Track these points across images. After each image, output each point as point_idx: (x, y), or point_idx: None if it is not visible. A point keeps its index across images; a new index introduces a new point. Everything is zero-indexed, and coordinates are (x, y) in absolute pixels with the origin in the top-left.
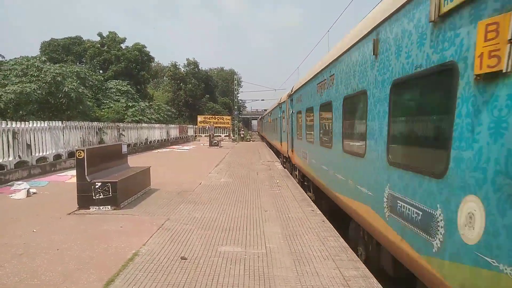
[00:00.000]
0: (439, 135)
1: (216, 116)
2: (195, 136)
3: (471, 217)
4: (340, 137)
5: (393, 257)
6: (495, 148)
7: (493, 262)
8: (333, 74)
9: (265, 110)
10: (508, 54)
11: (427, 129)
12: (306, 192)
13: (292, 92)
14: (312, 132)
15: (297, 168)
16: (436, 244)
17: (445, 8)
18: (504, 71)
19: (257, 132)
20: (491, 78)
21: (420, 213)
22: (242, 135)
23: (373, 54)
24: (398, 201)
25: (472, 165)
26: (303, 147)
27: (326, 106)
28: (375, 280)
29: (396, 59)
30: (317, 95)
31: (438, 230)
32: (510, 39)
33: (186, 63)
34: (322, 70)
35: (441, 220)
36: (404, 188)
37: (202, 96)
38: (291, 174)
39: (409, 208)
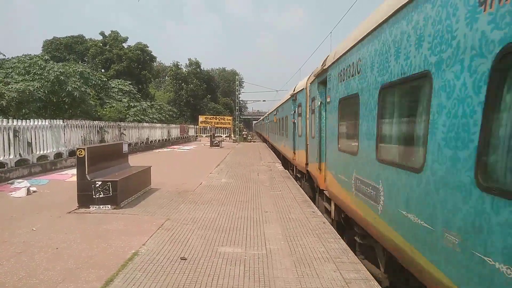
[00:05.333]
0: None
1: (217, 117)
2: (196, 136)
3: None
4: (277, 131)
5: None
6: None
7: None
8: (273, 116)
9: (265, 112)
10: None
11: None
12: (269, 148)
13: (267, 114)
14: (271, 129)
15: (269, 142)
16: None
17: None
18: None
19: (256, 132)
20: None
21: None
22: (244, 136)
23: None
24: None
25: None
26: (270, 134)
27: (274, 122)
28: (375, 283)
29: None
30: (271, 117)
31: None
32: None
33: (188, 63)
34: (266, 115)
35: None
36: (272, 138)
37: (204, 96)
38: (270, 148)
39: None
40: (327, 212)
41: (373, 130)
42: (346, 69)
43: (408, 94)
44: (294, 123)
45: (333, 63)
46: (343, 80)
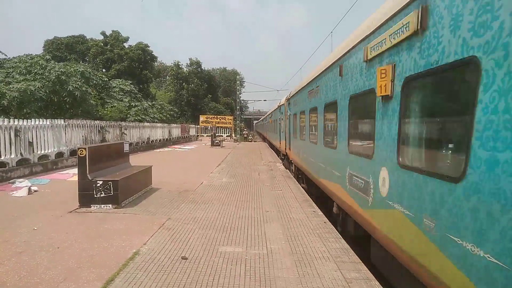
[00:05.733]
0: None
1: (218, 116)
2: (197, 135)
3: None
4: (271, 130)
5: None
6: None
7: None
8: (269, 118)
9: (266, 111)
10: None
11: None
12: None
13: (265, 116)
14: (268, 128)
15: (267, 139)
16: None
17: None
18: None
19: (257, 132)
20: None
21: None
22: (245, 135)
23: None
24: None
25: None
26: (268, 132)
27: (270, 123)
28: (377, 282)
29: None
30: (268, 119)
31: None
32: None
33: (189, 62)
34: (265, 117)
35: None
36: (269, 135)
37: (205, 96)
38: (269, 145)
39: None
40: (292, 172)
41: (301, 129)
42: (294, 101)
43: (304, 113)
44: (280, 124)
45: (291, 96)
46: (293, 105)
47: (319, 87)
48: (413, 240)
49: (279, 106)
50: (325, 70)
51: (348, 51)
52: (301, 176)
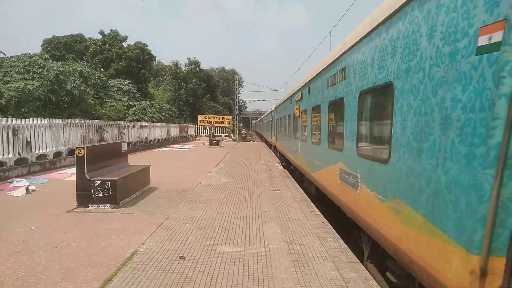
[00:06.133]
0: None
1: (217, 116)
2: (196, 135)
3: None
4: (266, 128)
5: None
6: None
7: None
8: (264, 120)
9: (264, 111)
10: (299, 113)
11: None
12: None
13: (261, 117)
14: (264, 128)
15: (263, 137)
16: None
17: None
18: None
19: (255, 132)
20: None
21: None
22: (243, 135)
23: (270, 115)
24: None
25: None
26: (263, 131)
27: (265, 123)
28: (375, 282)
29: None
30: (264, 120)
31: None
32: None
33: (187, 62)
34: (261, 118)
35: None
36: (265, 134)
37: (203, 96)
38: (265, 142)
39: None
40: (279, 157)
41: (281, 128)
42: (279, 109)
43: (286, 119)
44: (271, 124)
45: (277, 106)
46: (278, 112)
47: (286, 106)
48: (305, 164)
49: (271, 111)
50: (288, 97)
51: (292, 95)
52: (282, 158)
